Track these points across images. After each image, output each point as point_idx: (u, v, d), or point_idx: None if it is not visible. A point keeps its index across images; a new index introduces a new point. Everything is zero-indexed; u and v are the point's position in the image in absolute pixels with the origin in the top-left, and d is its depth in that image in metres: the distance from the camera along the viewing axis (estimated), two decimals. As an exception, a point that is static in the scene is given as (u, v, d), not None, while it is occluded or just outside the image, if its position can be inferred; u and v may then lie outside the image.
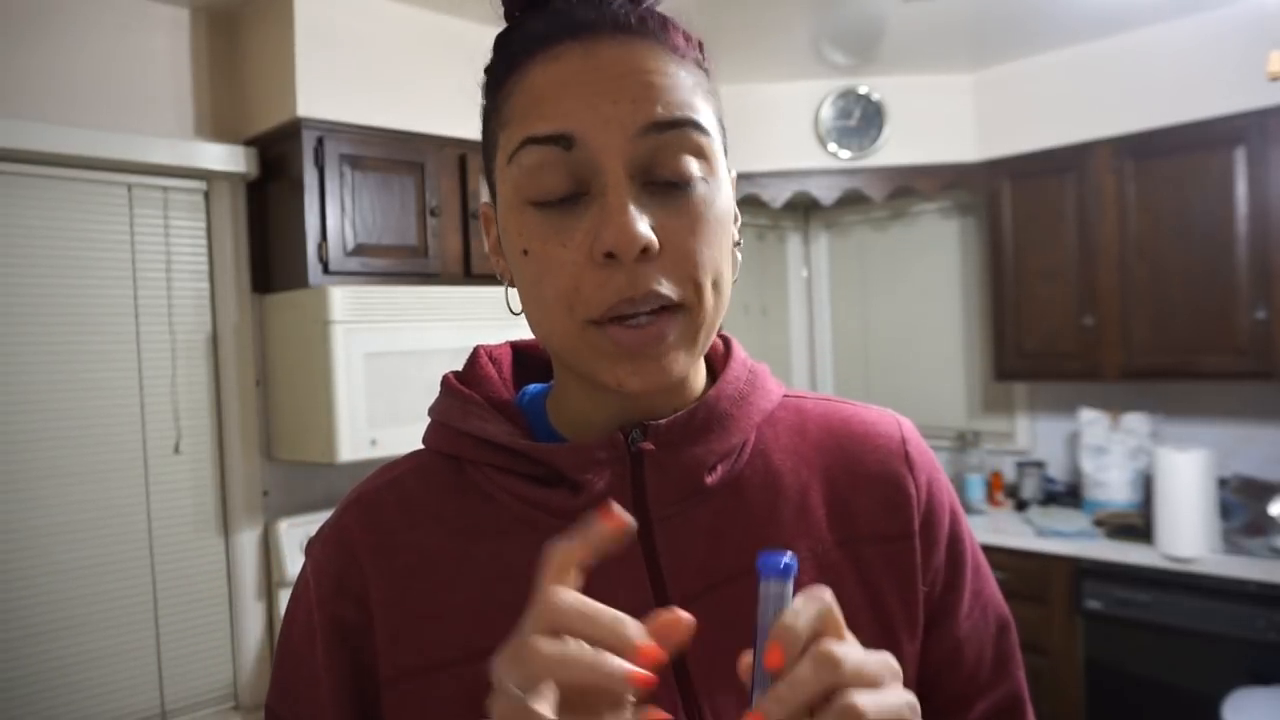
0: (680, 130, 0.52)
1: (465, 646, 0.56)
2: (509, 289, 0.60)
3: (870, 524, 0.61)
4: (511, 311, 0.60)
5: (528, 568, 0.55)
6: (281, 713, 0.61)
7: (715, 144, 0.54)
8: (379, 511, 0.61)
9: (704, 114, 0.54)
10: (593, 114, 0.50)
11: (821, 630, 0.42)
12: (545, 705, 0.38)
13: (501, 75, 0.56)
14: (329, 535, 0.61)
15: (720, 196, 0.54)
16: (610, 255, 0.50)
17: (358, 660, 0.58)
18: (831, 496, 0.62)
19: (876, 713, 0.40)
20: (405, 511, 0.60)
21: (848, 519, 0.61)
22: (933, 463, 0.66)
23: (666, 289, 0.51)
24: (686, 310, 0.52)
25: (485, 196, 0.64)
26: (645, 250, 0.50)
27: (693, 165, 0.52)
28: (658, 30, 0.54)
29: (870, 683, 0.42)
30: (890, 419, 0.67)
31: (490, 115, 0.58)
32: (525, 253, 0.53)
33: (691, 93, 0.53)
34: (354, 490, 0.64)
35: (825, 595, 0.43)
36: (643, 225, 0.50)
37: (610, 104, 0.50)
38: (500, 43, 0.58)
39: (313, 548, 0.62)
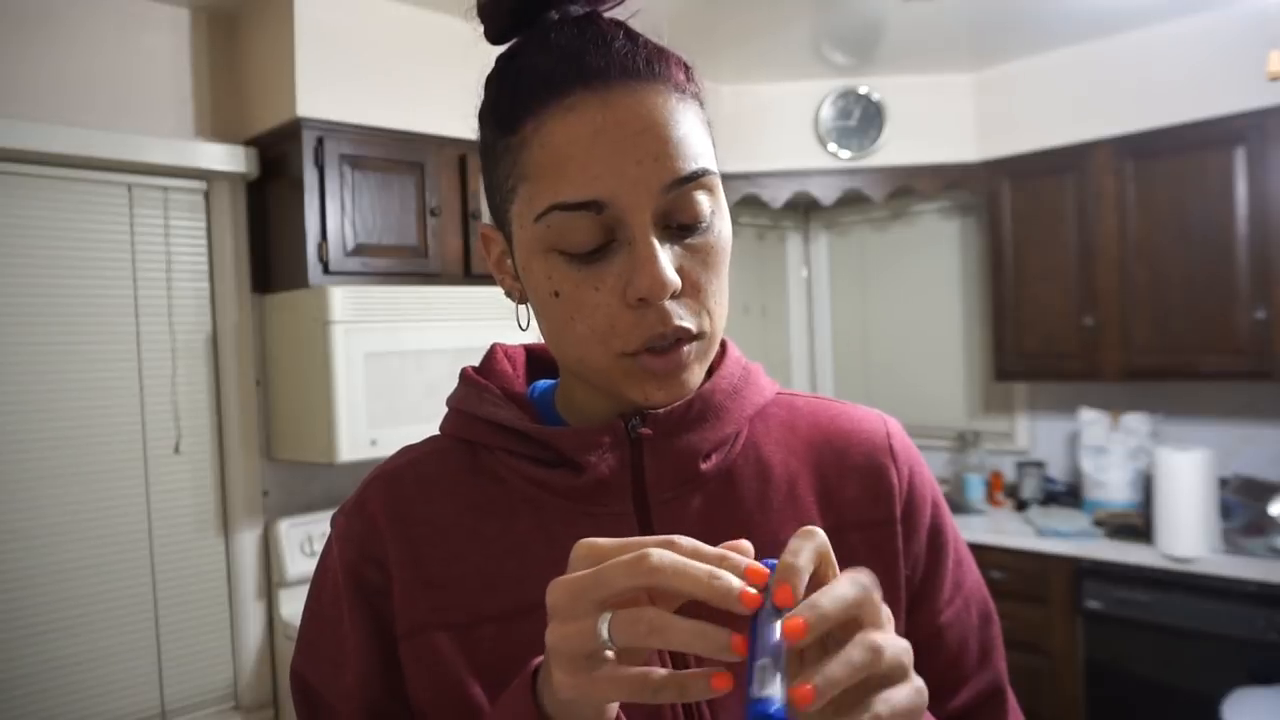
0: (696, 180, 0.55)
1: (472, 610, 0.60)
2: (519, 306, 0.65)
3: (855, 512, 0.65)
4: (520, 327, 0.65)
5: (532, 544, 0.61)
6: (307, 674, 0.65)
7: (718, 177, 0.58)
8: (399, 487, 0.65)
9: (708, 153, 0.57)
10: (619, 178, 0.53)
11: (859, 615, 0.43)
12: (604, 628, 0.42)
13: (513, 116, 0.57)
14: (352, 508, 0.66)
15: (724, 224, 0.59)
16: (643, 300, 0.54)
17: (379, 616, 0.62)
18: (820, 487, 0.66)
19: (901, 706, 0.42)
20: (423, 488, 0.65)
21: (835, 508, 0.65)
22: (916, 457, 0.70)
23: (688, 322, 0.56)
24: (701, 335, 0.58)
25: (485, 216, 0.67)
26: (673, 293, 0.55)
27: (705, 206, 0.57)
28: (661, 69, 0.56)
29: (900, 678, 0.43)
30: (876, 416, 0.71)
31: (502, 155, 0.58)
32: (556, 295, 0.57)
33: (700, 136, 0.57)
34: (376, 468, 0.68)
35: (865, 578, 0.43)
36: (671, 271, 0.54)
37: (634, 165, 0.53)
38: (503, 73, 0.59)
39: (337, 519, 0.67)
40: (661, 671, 0.43)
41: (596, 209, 0.53)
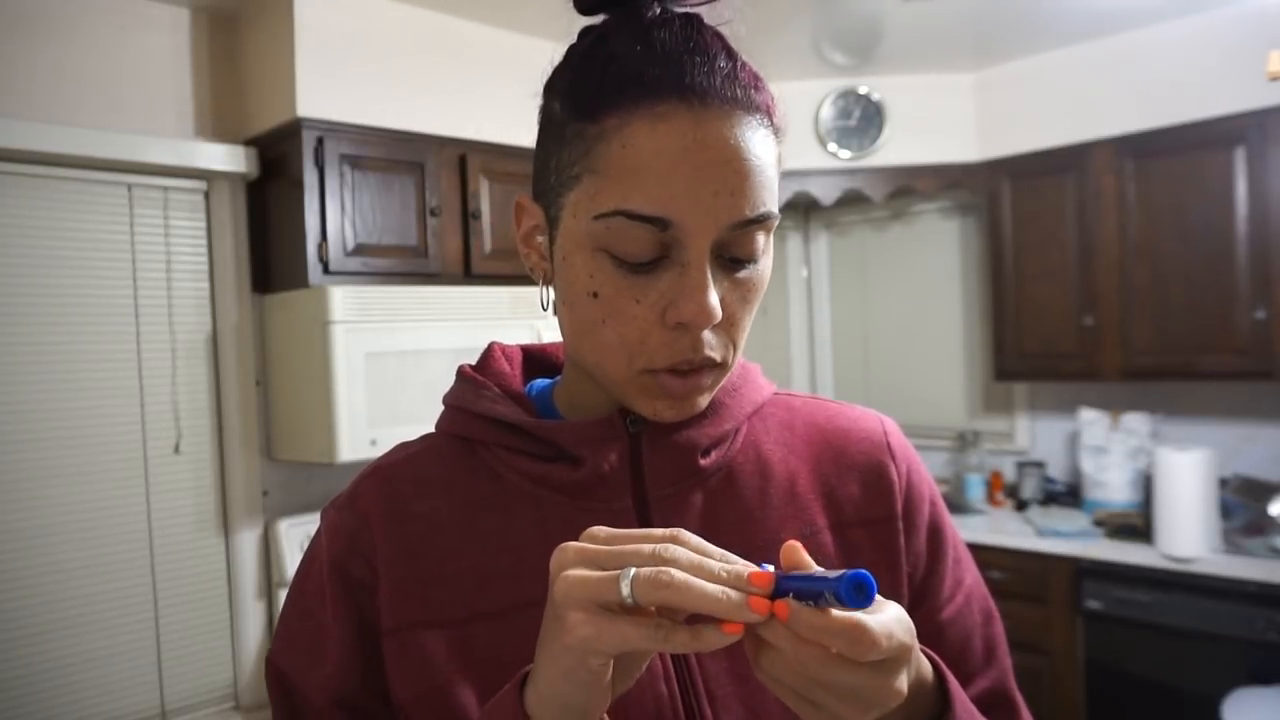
0: (762, 222, 0.55)
1: (467, 607, 0.60)
2: (543, 287, 0.64)
3: (856, 509, 0.66)
4: (542, 307, 0.64)
5: (529, 540, 0.61)
6: (283, 664, 0.64)
7: (777, 220, 0.58)
8: (394, 482, 0.65)
9: (775, 193, 0.57)
10: (693, 203, 0.52)
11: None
12: (625, 583, 0.43)
13: (597, 104, 0.54)
14: (345, 502, 0.65)
15: (768, 262, 0.59)
16: (682, 324, 0.54)
17: (362, 611, 0.61)
18: (820, 484, 0.66)
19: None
20: (418, 483, 0.64)
21: (836, 505, 0.66)
22: (914, 456, 0.71)
23: (716, 352, 0.57)
24: (722, 365, 0.59)
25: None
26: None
27: (760, 244, 0.57)
28: (757, 99, 0.56)
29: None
30: (873, 416, 0.72)
31: (572, 139, 0.56)
32: (594, 295, 0.56)
33: (773, 176, 0.56)
34: (371, 464, 0.68)
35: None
36: (717, 303, 0.54)
37: (711, 195, 0.53)
38: (593, 54, 0.56)
39: (328, 512, 0.66)
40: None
41: (661, 226, 0.53)
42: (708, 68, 0.54)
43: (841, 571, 0.41)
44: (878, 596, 0.43)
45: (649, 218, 0.53)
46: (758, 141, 0.55)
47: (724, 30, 0.58)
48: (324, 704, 0.61)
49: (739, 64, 0.56)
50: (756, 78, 0.57)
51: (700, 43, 0.55)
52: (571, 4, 0.59)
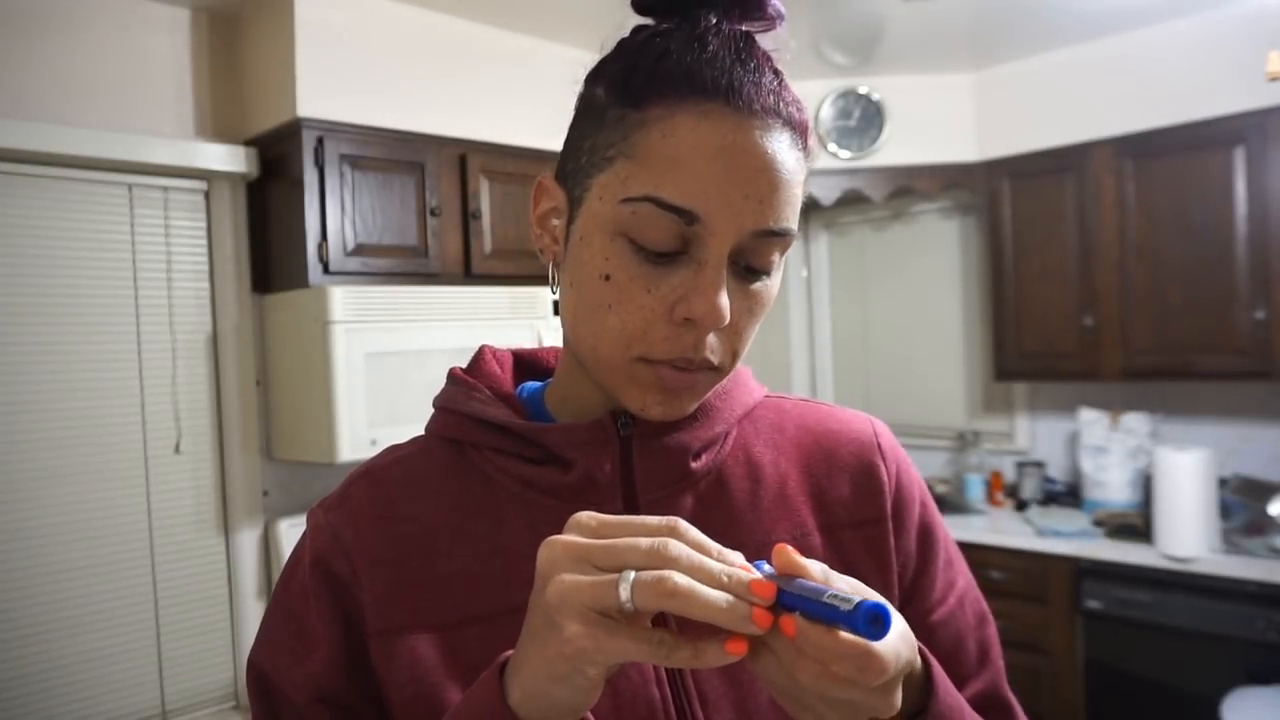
0: (781, 238, 0.57)
1: (457, 610, 0.60)
2: (551, 267, 0.64)
3: (847, 510, 0.66)
4: (551, 290, 0.64)
5: (519, 544, 0.61)
6: (264, 663, 0.63)
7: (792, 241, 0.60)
8: (385, 485, 0.65)
9: (797, 215, 0.59)
10: (722, 202, 0.53)
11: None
12: (625, 589, 0.42)
13: (644, 91, 0.55)
14: (333, 503, 0.65)
15: (778, 281, 0.61)
16: (690, 320, 0.55)
17: (346, 611, 0.61)
18: (810, 485, 0.67)
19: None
20: (409, 486, 0.64)
21: (826, 506, 0.66)
22: (903, 457, 0.71)
23: (716, 356, 0.57)
24: (719, 371, 0.59)
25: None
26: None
27: (775, 259, 0.58)
28: (797, 120, 0.58)
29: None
30: (863, 418, 0.72)
31: (612, 123, 0.57)
32: (606, 278, 0.56)
33: (799, 197, 0.58)
34: (361, 466, 0.68)
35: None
36: (727, 305, 0.55)
37: (741, 198, 0.54)
38: (647, 46, 0.57)
39: (314, 513, 0.66)
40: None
41: (688, 219, 0.54)
42: (756, 79, 0.56)
43: (855, 600, 0.40)
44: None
45: (678, 208, 0.53)
46: (792, 159, 0.56)
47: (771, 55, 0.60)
48: (304, 703, 0.60)
49: (783, 83, 0.58)
50: (799, 101, 0.59)
51: (752, 56, 0.57)
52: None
